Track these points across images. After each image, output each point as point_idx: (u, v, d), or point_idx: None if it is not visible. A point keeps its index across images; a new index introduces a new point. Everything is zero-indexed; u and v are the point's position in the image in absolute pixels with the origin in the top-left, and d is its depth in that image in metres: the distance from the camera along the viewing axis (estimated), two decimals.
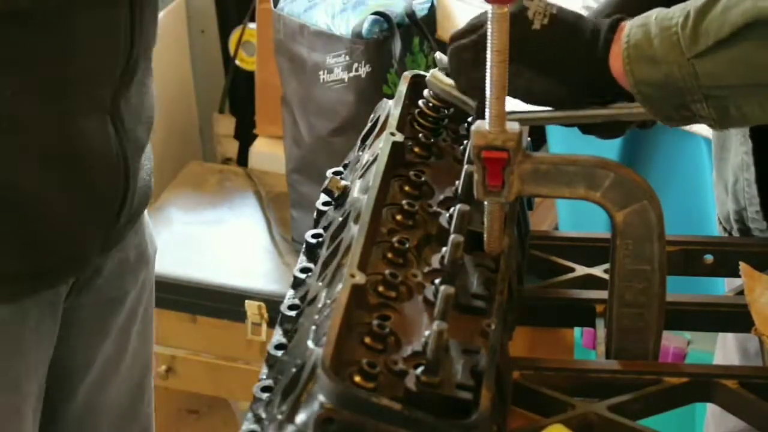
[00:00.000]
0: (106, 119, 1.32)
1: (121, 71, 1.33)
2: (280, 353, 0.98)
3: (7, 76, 1.24)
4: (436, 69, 1.20)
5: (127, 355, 1.57)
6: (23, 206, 1.30)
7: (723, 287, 1.44)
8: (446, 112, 1.21)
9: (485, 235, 1.06)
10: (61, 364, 1.48)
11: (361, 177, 1.12)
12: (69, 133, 1.30)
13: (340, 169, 1.21)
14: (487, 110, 0.99)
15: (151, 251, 1.56)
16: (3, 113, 1.25)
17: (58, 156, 1.30)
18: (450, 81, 1.17)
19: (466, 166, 1.08)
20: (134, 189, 1.41)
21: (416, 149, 1.16)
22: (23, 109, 1.26)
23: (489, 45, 0.97)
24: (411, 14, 2.36)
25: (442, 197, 1.10)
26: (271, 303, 2.45)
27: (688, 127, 1.80)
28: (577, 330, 2.22)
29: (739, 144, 1.35)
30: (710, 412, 1.54)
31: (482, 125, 1.00)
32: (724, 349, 1.51)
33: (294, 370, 0.91)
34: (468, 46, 1.12)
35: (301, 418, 0.85)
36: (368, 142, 1.20)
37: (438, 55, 1.22)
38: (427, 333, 0.91)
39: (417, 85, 1.21)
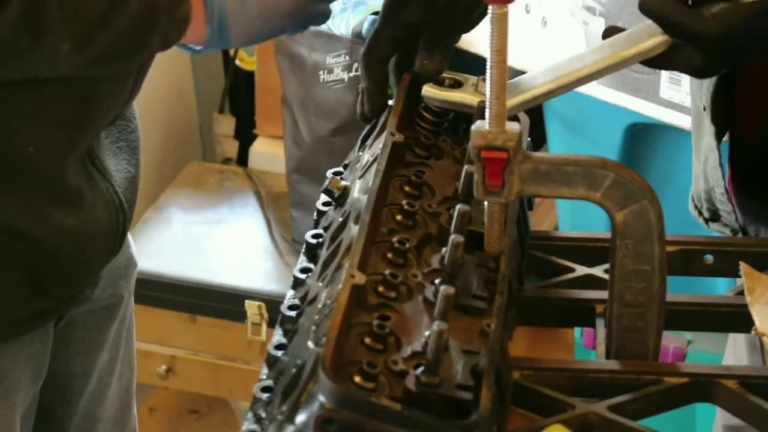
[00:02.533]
0: (85, 160, 1.33)
1: (113, 118, 1.34)
2: (280, 353, 0.98)
3: (33, 133, 1.25)
4: (429, 84, 1.19)
5: (119, 360, 1.57)
6: (31, 251, 1.29)
7: (724, 287, 1.44)
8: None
9: (485, 235, 1.06)
10: (62, 378, 1.48)
11: (361, 177, 1.12)
12: (75, 180, 1.30)
13: (340, 169, 1.21)
14: (487, 110, 0.99)
15: (134, 253, 1.57)
16: (25, 167, 1.25)
17: (66, 201, 1.30)
18: (446, 91, 1.17)
19: (466, 166, 1.08)
20: (130, 219, 1.40)
21: (416, 149, 1.16)
22: (40, 162, 1.26)
23: (489, 45, 0.97)
24: None
25: (442, 197, 1.10)
26: (271, 303, 2.45)
27: (687, 127, 1.80)
28: (577, 330, 2.22)
29: (708, 125, 1.35)
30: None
31: (482, 125, 1.00)
32: (735, 347, 1.51)
33: (294, 370, 0.91)
34: None
35: (301, 418, 0.85)
36: (368, 142, 1.20)
37: None
38: (427, 333, 0.91)
39: (416, 85, 1.21)
